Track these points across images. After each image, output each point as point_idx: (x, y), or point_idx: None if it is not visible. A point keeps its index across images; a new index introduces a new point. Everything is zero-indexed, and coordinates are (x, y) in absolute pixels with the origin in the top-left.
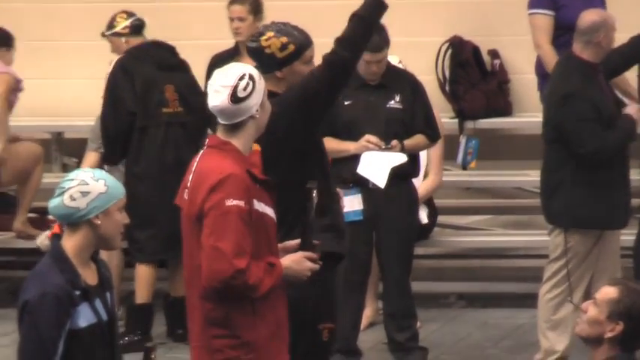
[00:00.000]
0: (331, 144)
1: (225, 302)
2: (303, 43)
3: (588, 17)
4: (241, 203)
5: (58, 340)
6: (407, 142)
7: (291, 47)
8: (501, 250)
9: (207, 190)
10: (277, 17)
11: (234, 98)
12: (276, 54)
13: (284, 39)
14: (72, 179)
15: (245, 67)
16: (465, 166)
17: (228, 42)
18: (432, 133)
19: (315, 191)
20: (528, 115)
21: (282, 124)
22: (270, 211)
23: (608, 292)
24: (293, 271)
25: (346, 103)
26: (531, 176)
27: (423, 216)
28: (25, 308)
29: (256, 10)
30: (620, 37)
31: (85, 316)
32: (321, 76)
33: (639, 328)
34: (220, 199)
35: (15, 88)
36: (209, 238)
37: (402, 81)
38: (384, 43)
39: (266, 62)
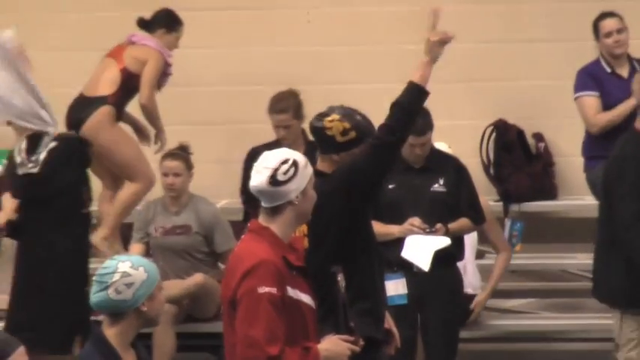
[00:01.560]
0: (375, 227)
1: None
2: (365, 132)
3: None
4: (273, 290)
5: None
6: (451, 226)
7: (353, 134)
8: (548, 334)
9: (240, 276)
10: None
11: (273, 181)
12: (336, 137)
13: (347, 124)
14: (113, 272)
15: (291, 153)
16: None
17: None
18: (477, 216)
19: (340, 275)
20: (574, 197)
21: (329, 204)
22: (306, 298)
23: None
24: (331, 352)
25: (390, 186)
26: (578, 259)
27: (470, 288)
28: None
29: (298, 114)
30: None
31: None
32: (367, 158)
33: None
34: (252, 285)
35: (164, 71)
36: (242, 326)
37: (446, 164)
38: (427, 126)
39: (325, 143)
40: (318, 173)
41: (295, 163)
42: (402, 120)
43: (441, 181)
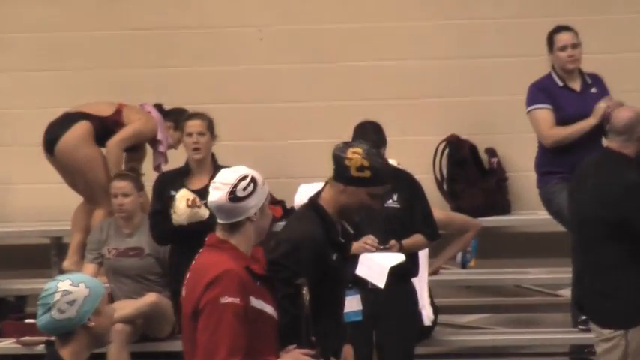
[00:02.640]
0: None
1: None
2: (378, 178)
3: (623, 116)
4: (236, 300)
5: None
6: (405, 242)
7: (367, 174)
8: (503, 349)
9: (203, 287)
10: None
11: (233, 197)
12: (351, 170)
13: (366, 162)
14: (54, 292)
15: (249, 170)
16: (464, 265)
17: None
18: (431, 232)
19: (305, 288)
20: (527, 212)
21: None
22: (269, 308)
23: None
24: None
25: None
26: (531, 274)
27: (427, 319)
28: None
29: (212, 130)
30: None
31: None
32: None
33: None
34: (216, 295)
35: (155, 147)
36: (203, 335)
37: (400, 180)
38: (381, 142)
39: (339, 171)
40: (313, 202)
41: (254, 180)
42: None
43: (395, 197)
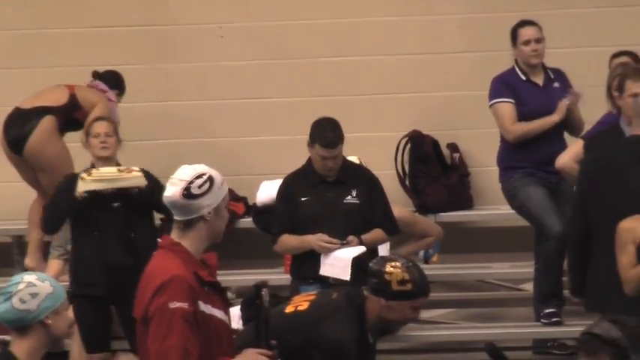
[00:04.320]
0: (290, 241)
1: None
2: (421, 289)
3: None
4: (185, 305)
5: None
6: (365, 237)
7: (409, 286)
8: (467, 344)
9: (151, 293)
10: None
11: (187, 193)
12: (392, 284)
13: (407, 276)
14: (17, 282)
15: (208, 169)
16: (427, 260)
17: None
18: (391, 227)
19: (264, 290)
20: (489, 207)
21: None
22: (218, 313)
23: None
24: None
25: (303, 199)
26: (494, 268)
27: None
28: None
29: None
30: None
31: None
32: None
33: None
34: (164, 301)
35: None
36: (154, 342)
37: (358, 176)
38: (339, 139)
39: (379, 285)
40: (358, 305)
41: (211, 179)
42: None
43: (354, 193)
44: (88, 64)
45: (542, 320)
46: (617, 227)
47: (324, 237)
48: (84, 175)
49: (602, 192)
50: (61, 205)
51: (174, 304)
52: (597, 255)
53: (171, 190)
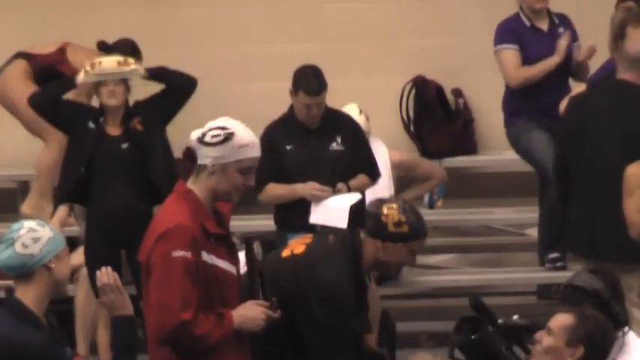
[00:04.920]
0: (277, 189)
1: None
2: (417, 232)
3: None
4: (187, 254)
5: None
6: (352, 183)
7: (405, 228)
8: (471, 289)
9: (154, 239)
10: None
11: (200, 138)
12: (388, 226)
13: (403, 217)
14: (19, 229)
15: (238, 129)
16: (431, 206)
17: None
18: (374, 172)
19: (256, 243)
20: (494, 152)
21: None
22: (224, 264)
23: (563, 319)
24: (245, 317)
25: (288, 147)
26: (498, 214)
27: None
28: None
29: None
30: None
31: None
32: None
33: (599, 351)
34: (166, 249)
35: None
36: (155, 290)
37: (341, 123)
38: (323, 86)
39: (375, 228)
40: (352, 247)
41: (229, 135)
42: None
43: (339, 140)
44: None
45: (546, 265)
46: (624, 173)
47: (316, 185)
48: (87, 67)
49: (580, 133)
50: (56, 86)
51: (177, 253)
52: (573, 194)
53: (194, 133)
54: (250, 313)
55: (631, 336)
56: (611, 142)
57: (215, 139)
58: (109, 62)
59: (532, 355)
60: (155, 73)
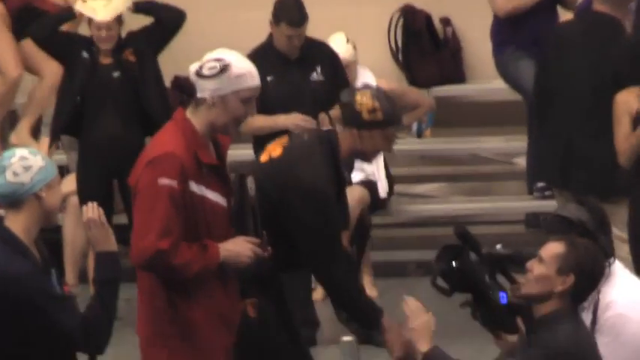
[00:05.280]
0: (260, 121)
1: (161, 278)
2: (392, 117)
3: None
4: (173, 183)
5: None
6: (333, 114)
7: (379, 115)
8: (458, 218)
9: (143, 165)
10: None
11: (197, 71)
12: (362, 114)
13: (377, 104)
14: (10, 157)
15: (234, 59)
16: (419, 135)
17: None
18: None
19: (249, 178)
20: (482, 82)
21: (275, 201)
22: (213, 195)
23: (554, 247)
24: (232, 252)
25: (269, 79)
26: (486, 143)
27: (382, 191)
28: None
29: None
30: None
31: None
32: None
33: (589, 279)
34: (153, 177)
35: None
36: (138, 215)
37: (321, 52)
38: (304, 17)
39: (350, 116)
40: (328, 139)
41: (226, 66)
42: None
43: (318, 70)
44: None
45: (534, 194)
46: (614, 100)
47: (299, 116)
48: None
49: (554, 64)
50: (55, 17)
51: (163, 181)
52: (547, 124)
53: (194, 65)
54: (237, 248)
55: (617, 266)
56: (582, 73)
57: (212, 72)
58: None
59: (522, 285)
60: (142, 7)
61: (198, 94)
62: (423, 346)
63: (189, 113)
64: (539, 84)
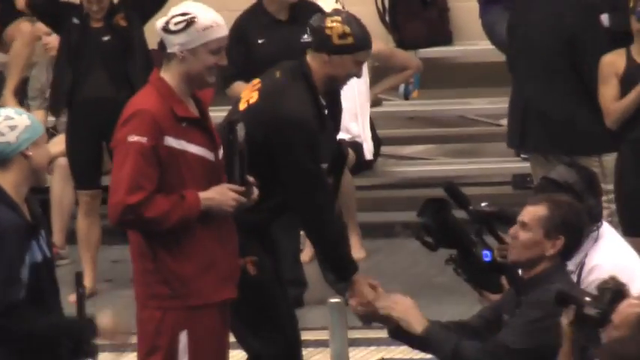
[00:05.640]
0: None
1: (149, 236)
2: (362, 42)
3: None
4: (143, 139)
5: (20, 272)
6: None
7: (350, 40)
8: (445, 179)
9: (119, 125)
10: None
11: (164, 26)
12: (333, 38)
13: (347, 29)
14: None
15: (200, 11)
16: (406, 96)
17: None
18: None
19: (240, 125)
20: (469, 43)
21: (259, 136)
22: (197, 149)
23: (536, 211)
24: (215, 201)
25: (260, 41)
26: (474, 104)
27: (367, 152)
28: None
29: None
30: None
31: (36, 252)
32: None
33: (578, 236)
34: (125, 134)
35: None
36: (113, 172)
37: (310, 13)
38: None
39: (320, 41)
40: (302, 72)
41: (191, 20)
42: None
43: (309, 31)
44: None
45: (521, 155)
46: (600, 62)
47: None
48: None
49: (519, 23)
50: None
51: (132, 138)
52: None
53: (161, 21)
54: (219, 197)
55: (605, 229)
56: (540, 34)
57: (178, 27)
58: None
59: (510, 250)
60: None
61: (168, 50)
62: (417, 328)
63: (162, 71)
64: (508, 45)
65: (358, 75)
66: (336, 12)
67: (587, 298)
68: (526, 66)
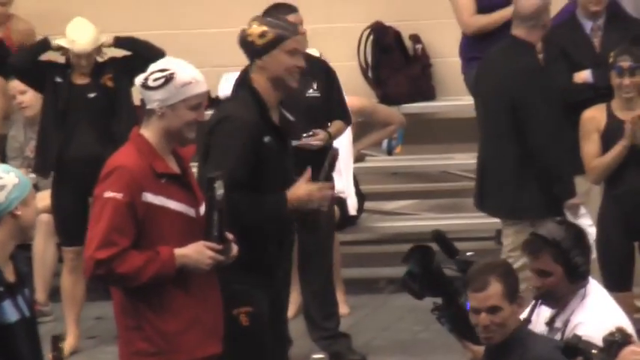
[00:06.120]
0: None
1: (130, 293)
2: (282, 32)
3: (530, 2)
4: (119, 195)
5: None
6: (332, 130)
7: (270, 35)
8: (429, 234)
9: (99, 181)
10: None
11: (143, 83)
12: (255, 42)
13: (264, 27)
14: None
15: (178, 67)
16: (390, 152)
17: None
18: (348, 118)
19: (218, 182)
20: (452, 98)
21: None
22: (176, 205)
23: (495, 290)
24: (191, 259)
25: None
26: (456, 159)
27: (351, 208)
28: None
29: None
30: None
31: (11, 312)
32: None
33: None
34: (102, 190)
35: None
36: (89, 227)
37: (317, 68)
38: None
39: (247, 50)
40: (245, 83)
41: (170, 76)
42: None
43: (315, 86)
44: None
45: None
46: (581, 117)
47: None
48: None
49: (478, 83)
50: (34, 48)
51: (108, 194)
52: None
53: (140, 77)
54: (195, 255)
55: (592, 286)
56: (490, 96)
57: (157, 83)
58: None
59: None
60: (123, 43)
61: (148, 106)
62: None
63: (143, 127)
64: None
65: (300, 64)
66: (254, 18)
67: (594, 351)
68: (481, 125)
